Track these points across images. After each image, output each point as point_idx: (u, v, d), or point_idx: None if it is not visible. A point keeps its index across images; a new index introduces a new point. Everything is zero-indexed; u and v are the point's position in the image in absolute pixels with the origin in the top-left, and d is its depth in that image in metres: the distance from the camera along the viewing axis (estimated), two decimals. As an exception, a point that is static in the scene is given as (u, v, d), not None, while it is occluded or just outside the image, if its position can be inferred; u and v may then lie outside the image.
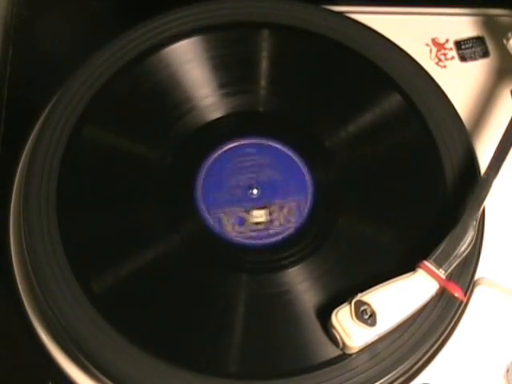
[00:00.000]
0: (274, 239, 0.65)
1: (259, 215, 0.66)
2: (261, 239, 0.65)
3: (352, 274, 0.63)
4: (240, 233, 0.65)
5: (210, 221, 0.65)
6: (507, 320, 0.64)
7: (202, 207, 0.66)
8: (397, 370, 0.60)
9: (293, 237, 0.65)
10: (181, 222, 0.65)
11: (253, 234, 0.65)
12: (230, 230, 0.65)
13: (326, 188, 0.67)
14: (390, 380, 0.61)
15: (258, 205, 0.66)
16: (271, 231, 0.65)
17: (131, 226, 0.65)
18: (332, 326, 0.59)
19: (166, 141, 0.68)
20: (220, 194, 0.67)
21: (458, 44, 0.75)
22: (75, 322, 0.61)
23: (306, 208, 0.66)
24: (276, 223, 0.66)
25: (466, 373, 0.63)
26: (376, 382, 0.60)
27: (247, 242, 0.65)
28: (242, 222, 0.66)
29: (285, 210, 0.66)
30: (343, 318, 0.58)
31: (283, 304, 0.63)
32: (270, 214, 0.66)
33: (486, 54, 0.75)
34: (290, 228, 0.65)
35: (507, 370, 0.63)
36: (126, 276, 0.63)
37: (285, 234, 0.65)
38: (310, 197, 0.66)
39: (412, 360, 0.61)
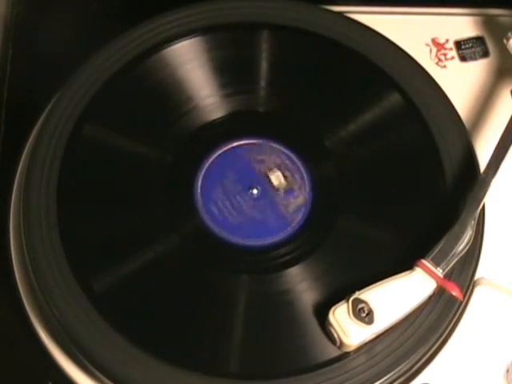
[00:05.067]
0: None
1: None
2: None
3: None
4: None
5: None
6: (507, 320, 0.64)
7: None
8: (397, 370, 0.60)
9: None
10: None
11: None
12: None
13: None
14: (390, 380, 0.61)
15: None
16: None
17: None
18: (329, 323, 0.59)
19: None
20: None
21: (458, 44, 0.75)
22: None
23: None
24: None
25: (466, 373, 0.63)
26: (376, 382, 0.60)
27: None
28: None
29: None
30: (340, 316, 0.58)
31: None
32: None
33: (486, 54, 0.75)
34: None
35: (507, 370, 0.63)
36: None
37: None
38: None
39: (412, 360, 0.61)
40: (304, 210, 0.66)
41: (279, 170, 0.67)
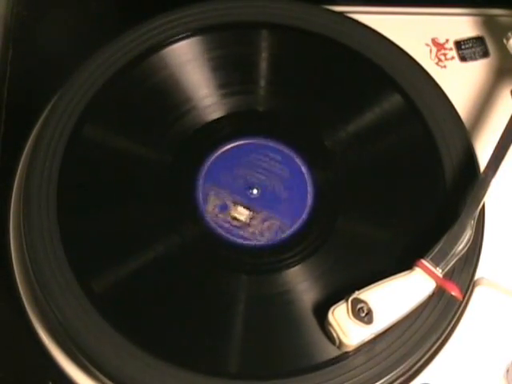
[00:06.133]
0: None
1: (242, 213, 0.66)
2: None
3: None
4: (216, 217, 0.66)
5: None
6: (507, 320, 0.64)
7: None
8: (397, 370, 0.60)
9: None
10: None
11: (225, 225, 0.65)
12: (210, 210, 0.66)
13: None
14: (390, 380, 0.61)
15: (249, 204, 0.67)
16: (242, 233, 0.65)
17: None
18: (329, 323, 0.59)
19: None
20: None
21: (458, 44, 0.75)
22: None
23: (287, 229, 0.66)
24: (250, 230, 0.66)
25: (466, 373, 0.63)
26: (376, 382, 0.60)
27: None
28: (224, 208, 0.66)
29: (265, 224, 0.66)
30: (340, 316, 0.58)
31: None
32: (251, 219, 0.66)
33: (486, 54, 0.75)
34: (260, 241, 0.65)
35: (507, 370, 0.63)
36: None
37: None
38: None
39: (412, 360, 0.61)
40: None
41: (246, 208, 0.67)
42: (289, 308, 0.62)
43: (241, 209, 0.66)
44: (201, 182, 0.67)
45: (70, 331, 0.61)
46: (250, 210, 0.66)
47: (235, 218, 0.66)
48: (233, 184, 0.67)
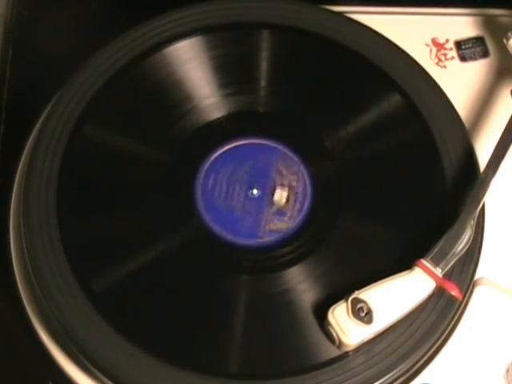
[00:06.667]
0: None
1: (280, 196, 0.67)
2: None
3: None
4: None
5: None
6: (507, 320, 0.64)
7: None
8: (397, 370, 0.60)
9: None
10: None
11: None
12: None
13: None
14: (390, 380, 0.61)
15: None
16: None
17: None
18: (328, 323, 0.59)
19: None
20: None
21: (458, 44, 0.75)
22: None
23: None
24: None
25: (466, 373, 0.63)
26: (376, 381, 0.60)
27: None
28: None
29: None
30: (340, 316, 0.58)
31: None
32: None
33: (486, 54, 0.75)
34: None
35: (507, 370, 0.63)
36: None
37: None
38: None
39: (412, 360, 0.61)
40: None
41: (288, 190, 0.67)
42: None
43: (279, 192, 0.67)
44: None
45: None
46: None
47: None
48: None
